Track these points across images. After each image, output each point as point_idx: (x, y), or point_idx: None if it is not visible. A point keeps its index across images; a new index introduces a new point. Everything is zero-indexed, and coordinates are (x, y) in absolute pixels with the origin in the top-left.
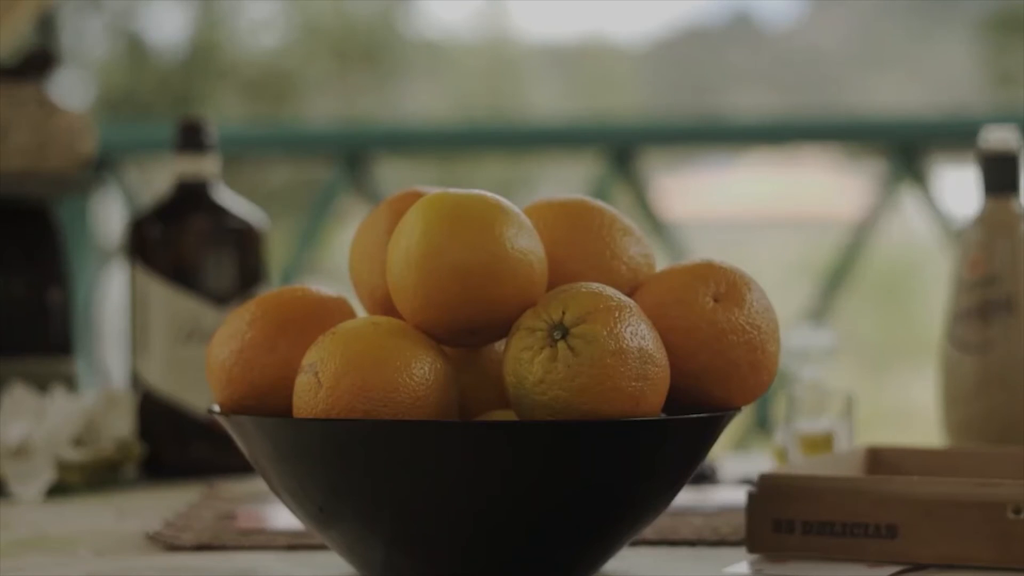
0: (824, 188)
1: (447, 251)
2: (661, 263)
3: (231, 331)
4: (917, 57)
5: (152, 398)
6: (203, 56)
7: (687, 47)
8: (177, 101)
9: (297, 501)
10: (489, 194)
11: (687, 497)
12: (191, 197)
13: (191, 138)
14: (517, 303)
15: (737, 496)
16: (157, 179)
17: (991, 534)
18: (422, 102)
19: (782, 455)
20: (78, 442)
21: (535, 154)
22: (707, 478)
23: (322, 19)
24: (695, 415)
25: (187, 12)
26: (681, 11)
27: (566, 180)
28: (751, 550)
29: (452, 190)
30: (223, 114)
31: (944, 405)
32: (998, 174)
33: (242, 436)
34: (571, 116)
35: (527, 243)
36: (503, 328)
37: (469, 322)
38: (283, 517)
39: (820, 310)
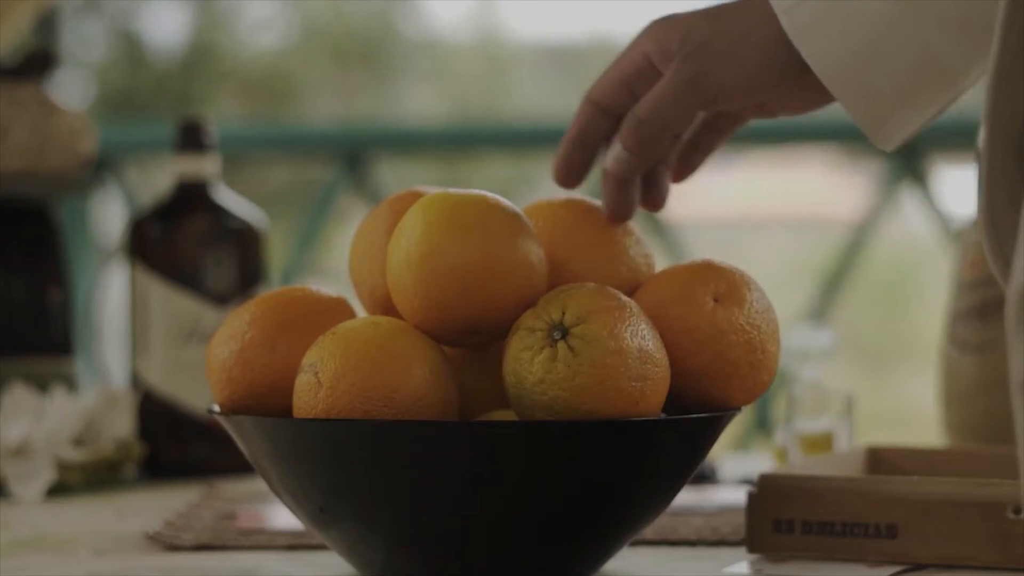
0: (824, 188)
1: (447, 251)
2: (661, 263)
3: (231, 331)
4: None
5: (152, 398)
6: (203, 56)
7: None
8: (177, 101)
9: (297, 501)
10: (489, 194)
11: (687, 497)
12: (191, 197)
13: (191, 138)
14: (517, 303)
15: (737, 496)
16: (157, 179)
17: (991, 534)
18: (421, 102)
19: (782, 455)
20: (78, 442)
21: (535, 154)
22: (707, 478)
23: (321, 20)
24: (695, 415)
25: (187, 12)
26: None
27: None
28: (751, 550)
29: (452, 190)
30: (223, 114)
31: (944, 405)
32: None
33: (242, 436)
34: (571, 116)
35: (527, 243)
36: (503, 328)
37: (469, 322)
38: (283, 517)
39: (820, 310)
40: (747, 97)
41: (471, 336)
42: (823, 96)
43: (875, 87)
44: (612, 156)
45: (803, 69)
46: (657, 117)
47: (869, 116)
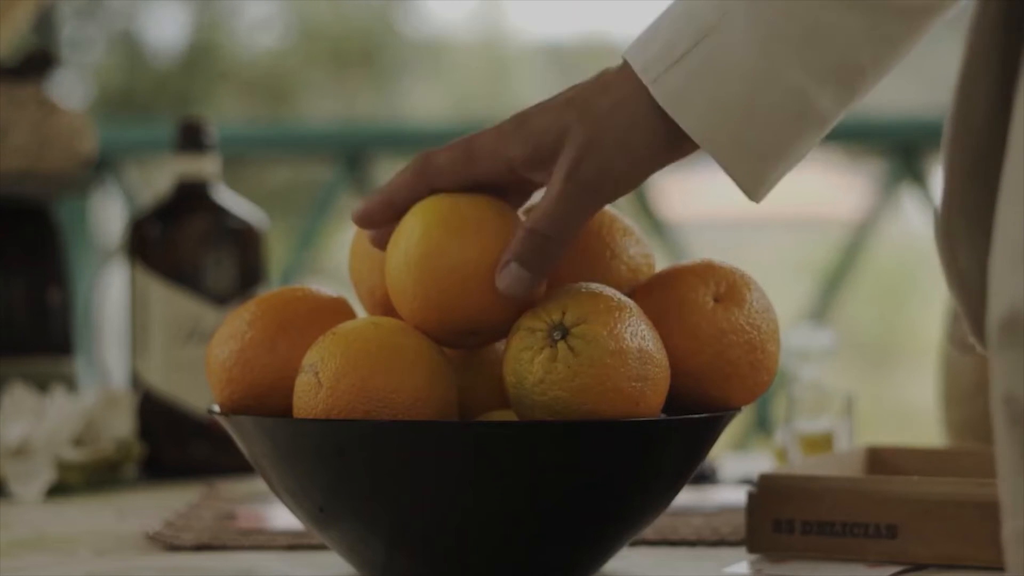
0: (824, 188)
1: (445, 253)
2: (661, 263)
3: (231, 331)
4: (917, 57)
5: (152, 398)
6: (202, 56)
7: None
8: (177, 101)
9: (297, 501)
10: (488, 196)
11: (687, 497)
12: (191, 197)
13: (191, 138)
14: (516, 304)
15: (737, 496)
16: (157, 179)
17: (991, 534)
18: (421, 102)
19: (782, 455)
20: (78, 442)
21: None
22: (707, 478)
23: (321, 20)
24: (695, 415)
25: (186, 13)
26: None
27: None
28: (751, 550)
29: (451, 192)
30: (223, 114)
31: (944, 405)
32: None
33: (242, 436)
34: None
35: None
36: (503, 329)
37: (468, 323)
38: (283, 517)
39: (820, 310)
40: (642, 180)
41: (471, 337)
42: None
43: (754, 144)
44: (509, 275)
45: (684, 136)
46: (563, 232)
47: (749, 175)
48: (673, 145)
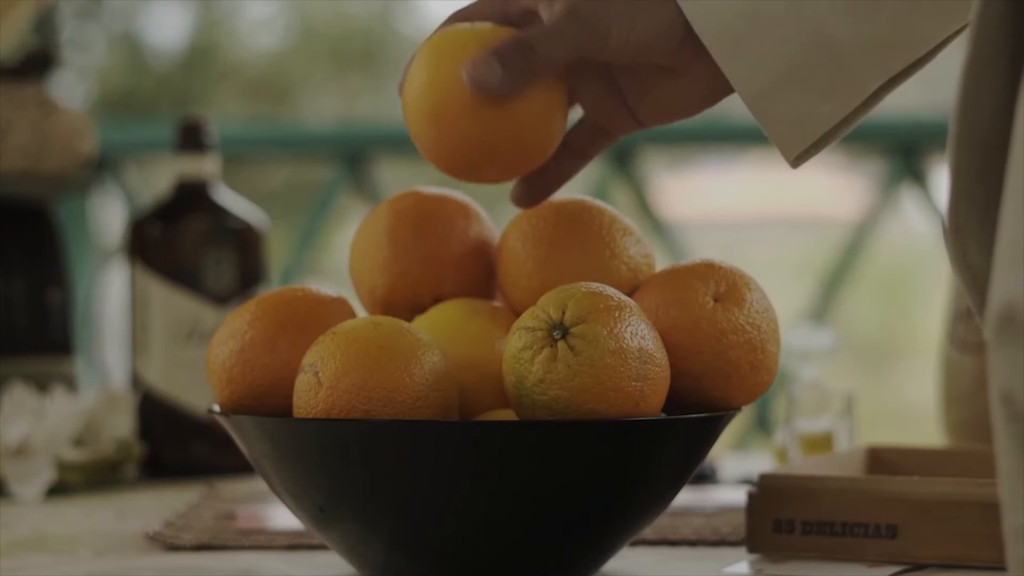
0: (824, 188)
1: (434, 89)
2: (661, 263)
3: (231, 331)
4: None
5: (152, 398)
6: (203, 56)
7: None
8: (177, 101)
9: (297, 501)
10: (498, 26)
11: (687, 497)
12: (191, 197)
13: (191, 138)
14: (512, 138)
15: (737, 496)
16: (157, 179)
17: (991, 534)
18: None
19: (782, 455)
20: (78, 442)
21: None
22: (707, 478)
23: (321, 20)
24: (695, 415)
25: (186, 13)
26: None
27: None
28: (751, 550)
29: (461, 25)
30: (223, 114)
31: (944, 405)
32: None
33: (242, 436)
34: (570, 117)
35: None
36: (509, 164)
37: (467, 157)
38: (283, 517)
39: (820, 310)
40: (634, 56)
41: (475, 173)
42: (709, 90)
43: (757, 54)
44: (484, 67)
45: (688, 32)
46: (550, 51)
47: (751, 85)
48: (675, 38)
